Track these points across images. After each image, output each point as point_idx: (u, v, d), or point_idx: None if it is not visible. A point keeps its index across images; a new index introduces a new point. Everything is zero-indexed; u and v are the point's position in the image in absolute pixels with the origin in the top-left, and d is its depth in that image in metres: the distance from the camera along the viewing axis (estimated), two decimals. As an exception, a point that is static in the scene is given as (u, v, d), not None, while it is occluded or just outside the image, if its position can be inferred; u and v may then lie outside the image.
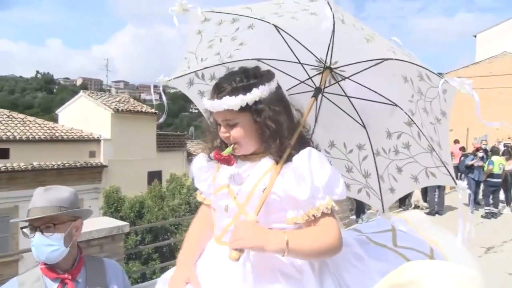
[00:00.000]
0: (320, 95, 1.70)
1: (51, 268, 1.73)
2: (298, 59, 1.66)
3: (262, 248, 1.23)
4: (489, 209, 10.46)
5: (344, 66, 1.66)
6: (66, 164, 16.74)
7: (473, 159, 10.99)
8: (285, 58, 1.66)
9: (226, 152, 1.39)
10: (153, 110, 21.28)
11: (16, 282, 1.75)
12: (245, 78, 1.37)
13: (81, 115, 19.01)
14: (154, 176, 18.20)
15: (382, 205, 1.88)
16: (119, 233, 4.32)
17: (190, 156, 21.46)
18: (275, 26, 1.58)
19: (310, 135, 1.54)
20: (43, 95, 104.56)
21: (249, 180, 1.40)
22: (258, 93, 1.35)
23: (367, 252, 1.50)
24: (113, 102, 19.42)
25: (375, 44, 1.52)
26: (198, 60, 1.74)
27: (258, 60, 1.66)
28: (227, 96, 1.34)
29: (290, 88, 1.75)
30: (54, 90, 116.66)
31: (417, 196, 11.12)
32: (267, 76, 1.42)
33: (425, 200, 11.23)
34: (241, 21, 1.64)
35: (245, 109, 1.35)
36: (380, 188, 1.87)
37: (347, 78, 1.69)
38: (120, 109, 18.67)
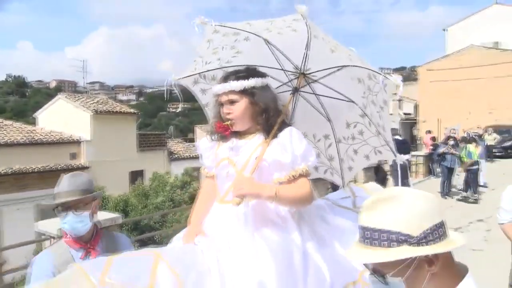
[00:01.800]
0: (296, 94, 2.13)
1: (75, 240, 2.09)
2: (281, 66, 2.10)
3: (258, 195, 1.65)
4: (466, 195, 11.11)
5: (314, 72, 2.10)
6: (47, 167, 16.74)
7: (443, 147, 11.67)
8: (271, 65, 2.07)
9: (225, 123, 1.82)
10: (133, 110, 21.39)
11: (48, 253, 2.10)
12: (246, 72, 1.85)
13: (60, 118, 18.97)
14: (136, 175, 18.36)
15: (343, 181, 2.31)
16: (113, 225, 4.65)
17: (171, 155, 21.66)
18: (265, 40, 2.00)
19: (291, 123, 1.96)
20: (15, 99, 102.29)
21: (245, 152, 1.81)
22: (254, 82, 1.81)
23: (334, 212, 1.93)
24: (92, 103, 19.44)
25: (337, 54, 1.98)
26: (203, 63, 2.14)
27: (249, 66, 2.05)
28: (232, 81, 1.80)
29: (275, 88, 2.17)
30: (27, 93, 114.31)
31: (391, 184, 11.68)
32: (261, 74, 1.89)
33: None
34: (240, 34, 2.06)
35: (243, 92, 1.80)
36: (341, 168, 2.31)
37: (316, 81, 2.14)
38: (99, 110, 18.73)
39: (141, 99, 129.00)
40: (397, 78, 1.91)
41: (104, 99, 22.84)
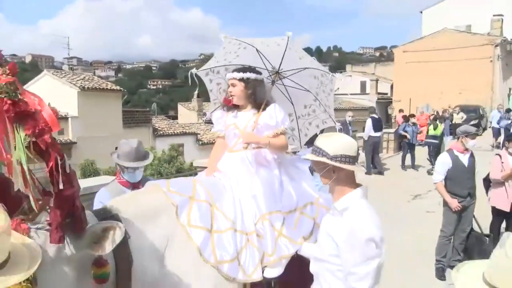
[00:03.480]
0: (274, 85, 3.08)
1: (128, 182, 3.00)
2: (265, 66, 3.03)
3: (258, 142, 2.59)
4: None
5: (285, 71, 3.07)
6: (36, 142, 17.23)
7: (405, 127, 12.94)
8: (258, 65, 2.98)
9: (228, 98, 2.77)
10: (118, 87, 21.87)
11: (105, 190, 3.00)
12: (245, 68, 2.77)
13: (46, 94, 19.30)
14: (123, 151, 19.00)
15: (300, 145, 3.36)
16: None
17: (155, 132, 22.34)
18: (256, 49, 2.92)
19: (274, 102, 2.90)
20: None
21: (243, 119, 2.74)
22: (248, 75, 2.72)
23: (298, 161, 2.89)
24: (78, 80, 19.86)
25: (303, 60, 3.04)
26: (214, 62, 3.07)
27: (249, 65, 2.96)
28: (237, 72, 2.72)
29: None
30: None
31: (362, 158, 12.79)
32: (257, 72, 2.80)
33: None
34: (242, 44, 2.98)
35: (240, 79, 2.71)
36: (299, 135, 3.32)
37: (286, 77, 3.12)
38: (86, 87, 19.21)
39: (120, 75, 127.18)
40: (339, 75, 2.91)
41: (89, 75, 23.23)
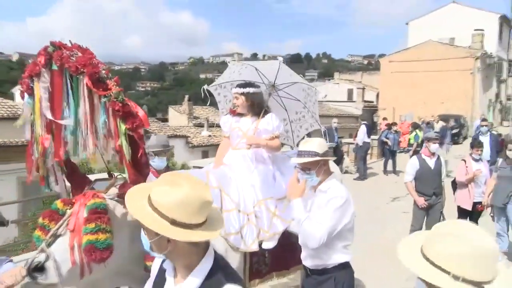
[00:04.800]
0: (270, 96, 3.79)
1: (155, 171, 3.59)
2: (262, 81, 3.76)
3: (258, 144, 3.23)
4: None
5: (279, 85, 3.80)
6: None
7: (387, 135, 13.67)
8: (257, 80, 3.70)
9: (233, 109, 3.42)
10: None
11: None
12: (246, 84, 3.40)
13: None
14: (115, 151, 19.38)
15: (294, 144, 4.07)
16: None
17: (147, 133, 22.76)
18: (255, 68, 3.65)
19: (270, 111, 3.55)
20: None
21: (247, 124, 3.37)
22: (248, 89, 3.36)
23: (288, 159, 3.54)
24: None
25: (293, 76, 3.82)
26: (222, 79, 3.83)
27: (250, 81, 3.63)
28: (239, 88, 3.35)
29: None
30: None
31: (347, 163, 13.52)
32: (256, 86, 3.44)
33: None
34: (244, 64, 3.74)
35: (242, 94, 3.35)
36: (292, 136, 4.06)
37: (281, 89, 3.87)
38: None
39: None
40: (319, 90, 3.61)
41: (82, 77, 23.49)
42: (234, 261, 2.88)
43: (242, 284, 1.47)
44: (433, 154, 5.75)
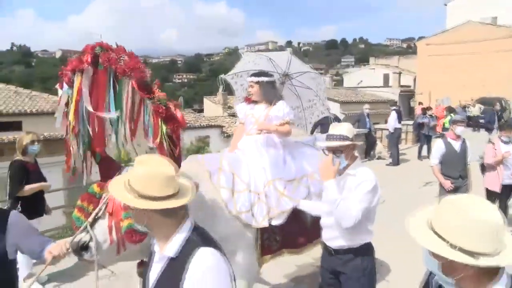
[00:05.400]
0: (284, 85, 4.01)
1: None
2: (276, 70, 3.97)
3: (269, 129, 3.45)
4: None
5: (292, 73, 4.00)
6: (74, 134, 18.48)
7: (423, 118, 13.39)
8: (271, 70, 3.91)
9: (248, 96, 3.64)
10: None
11: None
12: (260, 73, 3.62)
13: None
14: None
15: (307, 130, 4.29)
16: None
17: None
18: (269, 58, 3.85)
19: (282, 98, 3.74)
20: (21, 69, 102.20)
21: (260, 111, 3.59)
22: (262, 78, 3.56)
23: (302, 145, 3.74)
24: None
25: (303, 66, 4.02)
26: (238, 68, 4.05)
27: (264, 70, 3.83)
28: (254, 76, 3.56)
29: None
30: (33, 64, 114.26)
31: (380, 149, 13.44)
32: (269, 75, 3.65)
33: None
34: (258, 55, 3.97)
35: (256, 82, 3.55)
36: (305, 122, 4.26)
37: (293, 78, 4.07)
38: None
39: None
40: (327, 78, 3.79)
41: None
42: (249, 236, 3.15)
43: (218, 248, 1.67)
44: (459, 137, 5.73)
